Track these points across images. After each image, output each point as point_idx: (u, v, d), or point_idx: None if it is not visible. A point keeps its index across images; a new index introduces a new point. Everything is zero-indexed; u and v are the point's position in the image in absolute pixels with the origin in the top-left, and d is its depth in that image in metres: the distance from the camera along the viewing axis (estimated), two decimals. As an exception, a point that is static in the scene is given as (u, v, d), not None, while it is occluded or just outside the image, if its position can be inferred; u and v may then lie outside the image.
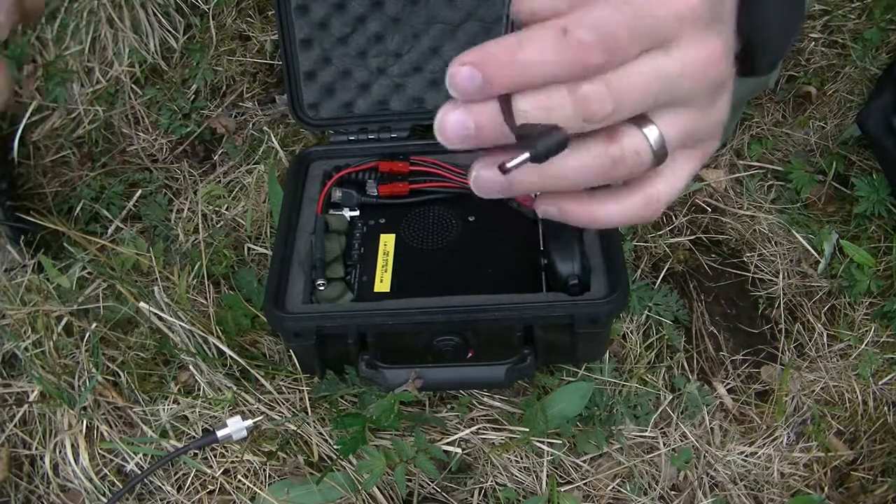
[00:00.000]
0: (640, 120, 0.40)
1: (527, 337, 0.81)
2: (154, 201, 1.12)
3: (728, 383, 0.95)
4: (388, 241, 0.88)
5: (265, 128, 1.19)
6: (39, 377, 0.87)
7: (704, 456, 0.88)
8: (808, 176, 1.10)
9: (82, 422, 0.86)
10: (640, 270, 1.02)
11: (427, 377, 0.81)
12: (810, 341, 0.98)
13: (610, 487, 0.85)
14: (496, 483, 0.85)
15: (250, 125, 1.21)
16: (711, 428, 0.90)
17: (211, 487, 0.84)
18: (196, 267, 0.98)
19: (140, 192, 1.13)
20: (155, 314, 0.91)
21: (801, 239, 1.05)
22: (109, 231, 1.08)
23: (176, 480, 0.85)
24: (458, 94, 0.37)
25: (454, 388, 0.88)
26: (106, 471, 0.85)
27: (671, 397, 0.91)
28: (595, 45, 0.36)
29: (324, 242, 0.85)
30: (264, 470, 0.84)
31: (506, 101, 0.37)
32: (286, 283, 0.83)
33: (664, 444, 0.88)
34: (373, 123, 0.96)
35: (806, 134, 1.17)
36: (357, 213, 0.91)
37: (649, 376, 0.92)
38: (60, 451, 0.86)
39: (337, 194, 0.91)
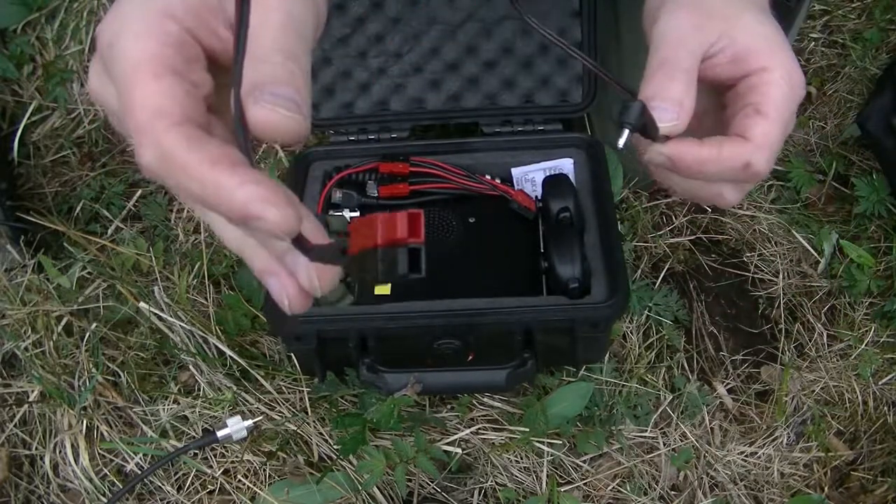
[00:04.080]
0: None
1: (527, 340, 0.80)
2: (154, 201, 1.12)
3: (728, 383, 0.95)
4: (388, 242, 0.88)
5: (265, 127, 1.18)
6: (39, 377, 0.87)
7: (704, 456, 0.88)
8: (808, 176, 1.10)
9: (82, 422, 0.86)
10: (640, 270, 1.02)
11: (427, 381, 0.81)
12: (810, 341, 0.98)
13: (610, 487, 0.85)
14: (496, 483, 0.85)
15: (250, 125, 1.21)
16: (711, 428, 0.90)
17: (211, 487, 0.84)
18: (196, 267, 0.98)
19: (140, 192, 1.13)
20: (155, 314, 0.91)
21: (801, 239, 1.05)
22: (109, 231, 1.08)
23: (176, 480, 0.85)
24: (651, 163, 0.51)
25: (454, 392, 0.88)
26: (106, 471, 0.85)
27: (671, 397, 0.91)
28: (767, 171, 0.50)
29: (324, 243, 0.85)
30: (264, 470, 0.84)
31: None
32: (286, 285, 0.82)
33: (664, 444, 0.88)
34: (373, 124, 0.95)
35: (806, 134, 1.17)
36: (357, 213, 0.91)
37: (649, 376, 0.92)
38: (60, 451, 0.86)
39: (337, 195, 0.91)
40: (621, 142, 0.47)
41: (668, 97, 0.48)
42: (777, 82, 0.50)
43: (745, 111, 0.50)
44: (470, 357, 0.80)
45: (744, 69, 0.50)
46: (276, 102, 0.37)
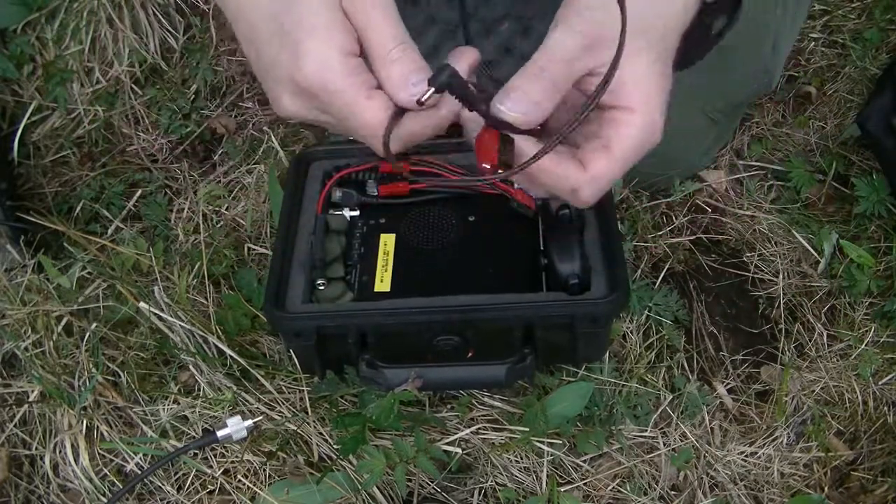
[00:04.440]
0: None
1: (527, 337, 0.81)
2: (154, 201, 1.12)
3: (728, 383, 0.95)
4: (388, 241, 0.88)
5: (265, 128, 1.19)
6: (39, 377, 0.87)
7: (704, 456, 0.88)
8: (808, 176, 1.10)
9: (82, 422, 0.86)
10: (640, 270, 1.02)
11: (427, 377, 0.81)
12: (810, 341, 0.98)
13: (610, 487, 0.85)
14: (496, 483, 0.85)
15: (250, 125, 1.21)
16: (711, 428, 0.90)
17: (211, 487, 0.84)
18: (196, 267, 0.98)
19: (140, 192, 1.13)
20: (155, 314, 0.91)
21: (801, 239, 1.05)
22: (109, 231, 1.08)
23: (176, 480, 0.85)
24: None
25: (454, 388, 0.88)
26: (106, 471, 0.85)
27: (671, 397, 0.91)
28: (591, 202, 0.56)
29: (324, 242, 0.85)
30: (264, 470, 0.84)
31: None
32: (286, 283, 0.83)
33: (664, 444, 0.88)
34: (373, 123, 0.95)
35: (806, 134, 1.17)
36: (357, 213, 0.91)
37: (649, 376, 0.92)
38: (60, 451, 0.86)
39: (337, 194, 0.91)
40: (425, 97, 0.52)
41: (526, 93, 0.52)
42: (635, 126, 0.53)
43: (597, 142, 0.54)
44: (470, 354, 0.81)
45: (613, 101, 0.53)
46: (416, 88, 0.52)
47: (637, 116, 0.53)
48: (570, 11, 0.53)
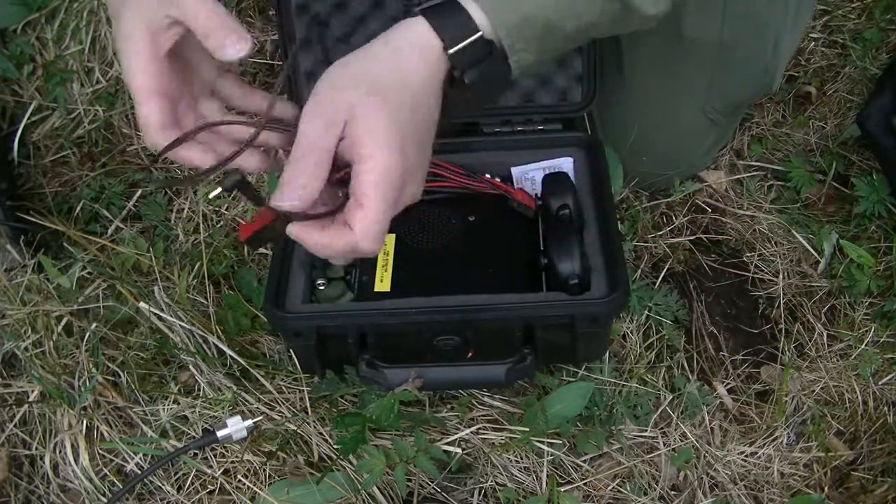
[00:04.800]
0: None
1: (527, 336, 0.81)
2: (154, 201, 1.12)
3: (728, 383, 0.95)
4: (388, 241, 0.88)
5: (265, 128, 1.18)
6: (39, 377, 0.87)
7: (704, 456, 0.88)
8: (808, 176, 1.10)
9: (82, 422, 0.86)
10: (640, 270, 1.02)
11: (427, 377, 0.81)
12: (810, 341, 0.98)
13: (610, 487, 0.85)
14: (496, 483, 0.85)
15: (250, 125, 1.21)
16: (711, 428, 0.90)
17: (211, 487, 0.84)
18: (196, 267, 0.98)
19: (140, 192, 1.13)
20: (155, 314, 0.91)
21: (801, 239, 1.05)
22: (109, 231, 1.08)
23: (176, 480, 0.85)
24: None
25: (454, 387, 0.88)
26: (106, 471, 0.85)
27: (671, 397, 0.91)
28: (374, 250, 0.61)
29: (324, 242, 0.85)
30: (264, 470, 0.84)
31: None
32: (286, 283, 0.83)
33: (664, 444, 0.88)
34: (373, 123, 0.95)
35: (806, 134, 1.17)
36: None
37: (649, 376, 0.92)
38: (60, 451, 0.86)
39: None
40: (212, 194, 0.61)
41: (295, 184, 0.58)
42: (374, 172, 0.59)
43: (352, 201, 0.60)
44: (470, 354, 0.81)
45: (354, 155, 0.59)
46: (235, 47, 0.59)
47: (372, 162, 0.59)
48: (309, 101, 0.61)
